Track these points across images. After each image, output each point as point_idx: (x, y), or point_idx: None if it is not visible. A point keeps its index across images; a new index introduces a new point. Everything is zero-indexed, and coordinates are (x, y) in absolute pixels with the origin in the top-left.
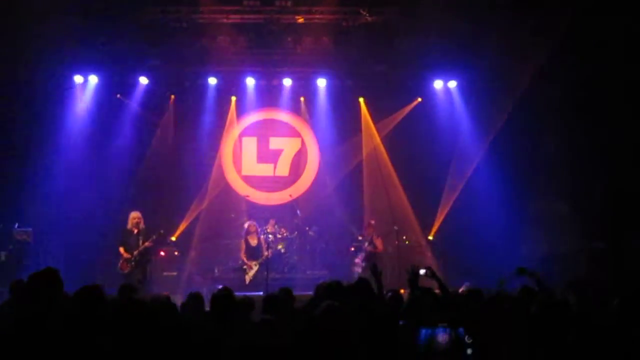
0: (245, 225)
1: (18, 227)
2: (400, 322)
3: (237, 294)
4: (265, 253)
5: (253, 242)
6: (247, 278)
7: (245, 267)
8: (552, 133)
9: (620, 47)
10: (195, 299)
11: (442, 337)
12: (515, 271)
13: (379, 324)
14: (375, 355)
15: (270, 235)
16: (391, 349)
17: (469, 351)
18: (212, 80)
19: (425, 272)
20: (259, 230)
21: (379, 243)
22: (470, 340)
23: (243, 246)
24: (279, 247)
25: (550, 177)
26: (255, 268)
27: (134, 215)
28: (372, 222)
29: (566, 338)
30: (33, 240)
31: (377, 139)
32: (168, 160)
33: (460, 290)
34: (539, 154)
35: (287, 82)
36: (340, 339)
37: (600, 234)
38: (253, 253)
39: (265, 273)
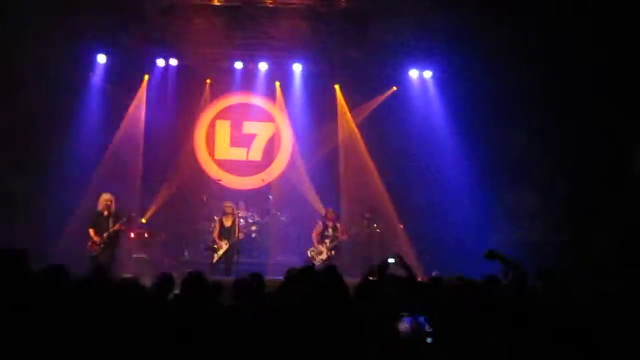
0: (223, 205)
1: None
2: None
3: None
4: (237, 235)
5: (227, 223)
6: (215, 257)
7: (215, 246)
8: (523, 125)
9: (588, 39)
10: (165, 280)
11: (403, 326)
12: (485, 254)
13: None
14: (339, 342)
15: (242, 220)
16: (354, 336)
17: (429, 340)
18: (187, 62)
19: (395, 260)
20: (235, 212)
21: (340, 229)
22: (430, 330)
23: (217, 226)
24: (252, 228)
25: (520, 169)
26: (224, 247)
27: (105, 197)
28: (330, 208)
29: (531, 327)
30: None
31: (352, 126)
32: (139, 141)
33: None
34: (510, 145)
35: (263, 66)
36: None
37: (566, 226)
38: (225, 234)
39: (236, 257)
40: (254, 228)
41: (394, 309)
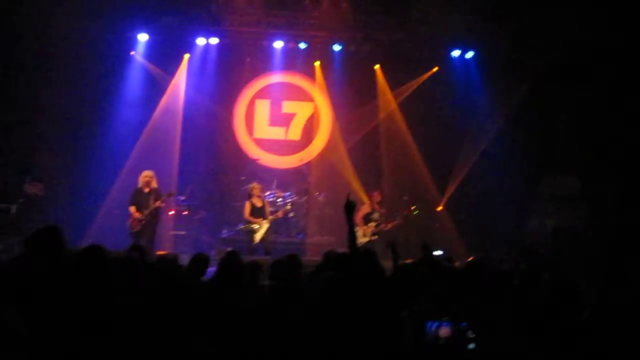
0: (251, 186)
1: (30, 180)
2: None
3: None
4: (270, 216)
5: (258, 204)
6: (257, 237)
7: (253, 225)
8: (567, 108)
9: None
10: (200, 260)
11: (444, 331)
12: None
13: (382, 304)
14: (378, 338)
15: (279, 199)
16: (394, 335)
17: (471, 346)
18: (227, 42)
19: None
20: (264, 192)
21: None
22: (473, 335)
23: (248, 208)
24: (288, 207)
25: (564, 152)
26: (265, 226)
27: (146, 174)
28: (377, 192)
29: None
30: (45, 194)
31: (394, 106)
32: (178, 120)
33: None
34: (554, 128)
35: (303, 45)
36: (342, 313)
37: (612, 211)
38: (258, 214)
39: (273, 236)
40: (289, 207)
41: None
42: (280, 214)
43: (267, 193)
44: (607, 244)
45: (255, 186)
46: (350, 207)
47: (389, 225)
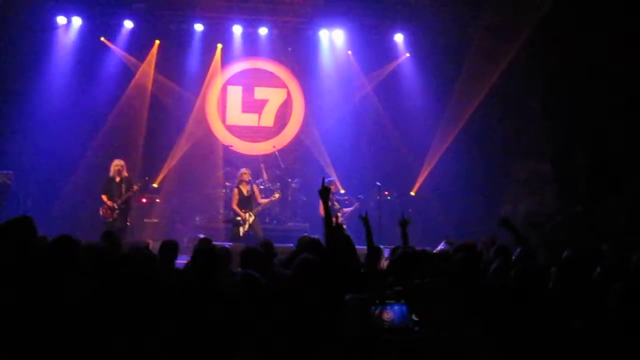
0: (240, 173)
1: None
2: (349, 297)
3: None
4: (262, 201)
5: (246, 191)
6: (242, 230)
7: (239, 218)
8: (537, 95)
9: None
10: (170, 247)
11: (388, 314)
12: (499, 221)
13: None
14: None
15: (261, 185)
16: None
17: (417, 328)
18: (198, 27)
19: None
20: (252, 178)
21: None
22: (417, 319)
23: (236, 196)
24: (275, 196)
25: (534, 139)
26: (251, 219)
27: (117, 162)
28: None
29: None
30: (14, 184)
31: (367, 91)
32: (150, 106)
33: (438, 248)
34: (525, 115)
35: (275, 31)
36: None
37: (581, 197)
38: (247, 203)
39: (260, 226)
40: (277, 196)
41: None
42: (267, 201)
43: (258, 180)
44: (577, 228)
45: (243, 172)
46: (325, 192)
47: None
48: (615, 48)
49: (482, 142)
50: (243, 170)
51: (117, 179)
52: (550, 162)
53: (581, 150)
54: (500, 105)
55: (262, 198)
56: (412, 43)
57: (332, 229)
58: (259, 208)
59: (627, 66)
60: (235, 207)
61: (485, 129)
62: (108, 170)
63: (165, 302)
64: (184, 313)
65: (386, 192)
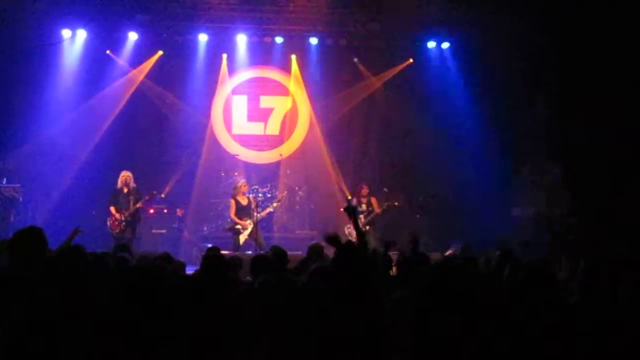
0: (236, 184)
1: (6, 183)
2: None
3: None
4: (256, 213)
5: (244, 201)
6: (242, 238)
7: (238, 226)
8: (544, 96)
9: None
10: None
11: None
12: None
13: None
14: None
15: (260, 194)
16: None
17: None
18: (203, 37)
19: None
20: (249, 189)
21: (374, 203)
22: None
23: (233, 206)
24: (274, 205)
25: (542, 140)
26: (250, 227)
27: (124, 174)
28: (363, 184)
29: None
30: (22, 197)
31: (372, 98)
32: (156, 117)
33: (448, 252)
34: (532, 116)
35: (279, 39)
36: (327, 301)
37: (592, 198)
38: (245, 213)
39: (261, 233)
40: (275, 205)
41: None
42: (264, 213)
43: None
44: (588, 232)
45: (241, 184)
46: (351, 210)
47: (380, 209)
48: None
49: (491, 144)
50: (240, 182)
51: (125, 190)
52: (560, 163)
53: (591, 150)
54: (509, 106)
55: (259, 210)
56: (418, 48)
57: (366, 245)
58: (258, 217)
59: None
60: (233, 216)
61: (494, 130)
62: (115, 182)
63: (176, 310)
64: (194, 320)
65: (393, 198)
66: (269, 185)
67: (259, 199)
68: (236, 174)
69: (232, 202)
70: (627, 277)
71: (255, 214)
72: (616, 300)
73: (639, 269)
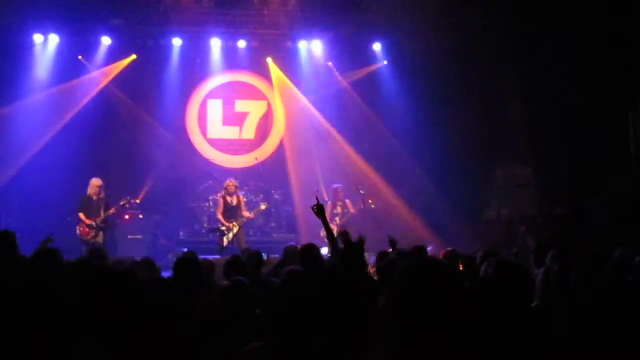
0: (225, 184)
1: None
2: None
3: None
4: (246, 214)
5: (233, 202)
6: (226, 240)
7: (224, 228)
8: (517, 98)
9: None
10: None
11: None
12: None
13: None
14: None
15: (246, 197)
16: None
17: None
18: (177, 41)
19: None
20: (239, 189)
21: (349, 205)
22: None
23: (221, 206)
24: (262, 207)
25: (514, 143)
26: (235, 229)
27: (95, 182)
28: (338, 186)
29: None
30: None
31: (346, 101)
32: (130, 121)
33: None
34: (504, 119)
35: (254, 44)
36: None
37: (562, 200)
38: (232, 213)
39: (244, 237)
40: (263, 208)
41: None
42: (251, 214)
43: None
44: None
45: (230, 183)
46: (321, 210)
47: (354, 209)
48: (600, 49)
49: (464, 147)
50: (229, 181)
51: (95, 199)
52: (532, 165)
53: (562, 153)
54: (481, 109)
55: (247, 210)
56: (390, 51)
57: (335, 243)
58: (244, 220)
59: (609, 68)
60: (220, 216)
61: (467, 133)
62: (86, 188)
63: (149, 314)
64: (166, 325)
65: (370, 200)
66: (245, 188)
67: (246, 201)
68: (211, 182)
69: (221, 201)
70: (595, 276)
71: (244, 213)
72: (584, 298)
73: (605, 268)
